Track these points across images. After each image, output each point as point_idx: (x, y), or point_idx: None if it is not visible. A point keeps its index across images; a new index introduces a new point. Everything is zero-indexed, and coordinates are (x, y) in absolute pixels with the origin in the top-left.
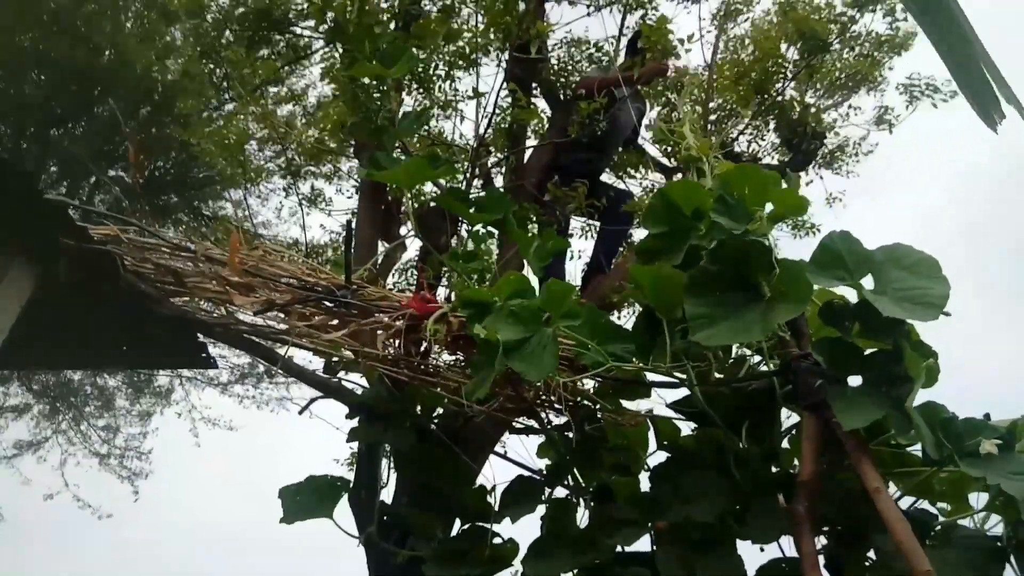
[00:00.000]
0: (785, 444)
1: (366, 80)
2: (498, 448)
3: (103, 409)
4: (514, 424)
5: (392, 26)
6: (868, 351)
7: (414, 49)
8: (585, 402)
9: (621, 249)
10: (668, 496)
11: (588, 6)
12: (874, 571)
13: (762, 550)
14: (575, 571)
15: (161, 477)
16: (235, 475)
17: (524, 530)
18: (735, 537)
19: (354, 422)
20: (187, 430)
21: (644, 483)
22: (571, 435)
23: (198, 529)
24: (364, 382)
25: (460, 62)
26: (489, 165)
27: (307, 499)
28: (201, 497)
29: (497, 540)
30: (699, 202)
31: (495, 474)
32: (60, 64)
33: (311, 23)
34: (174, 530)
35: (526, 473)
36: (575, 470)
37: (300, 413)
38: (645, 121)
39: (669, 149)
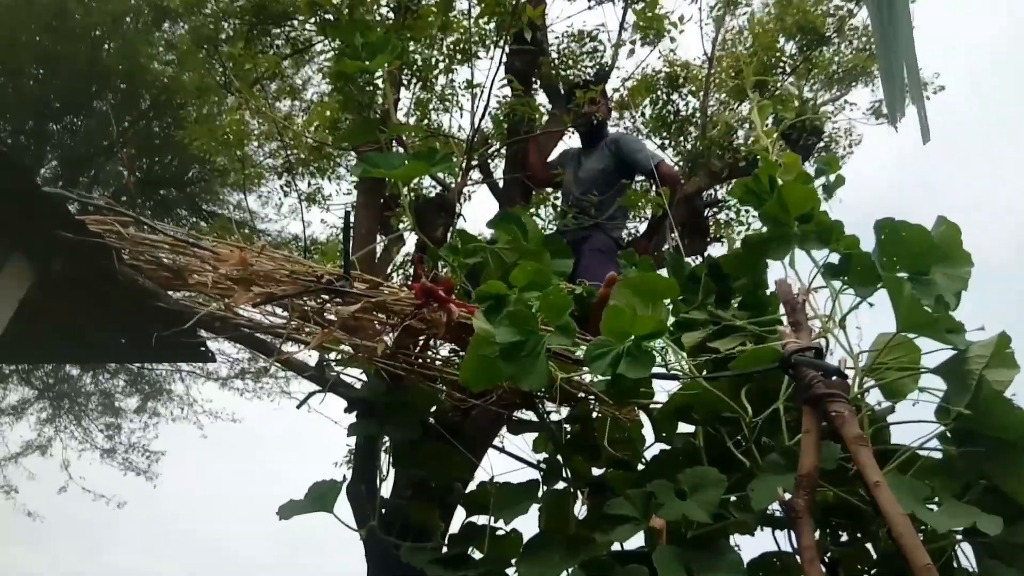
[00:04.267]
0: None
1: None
2: (496, 442)
3: (103, 405)
4: (512, 419)
5: (389, 18)
6: None
7: (411, 44)
8: (581, 394)
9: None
10: (665, 491)
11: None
12: (873, 565)
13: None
14: (570, 570)
15: (163, 472)
16: (236, 470)
17: (525, 526)
18: (732, 532)
19: (353, 416)
20: (192, 423)
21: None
22: (568, 428)
23: (198, 526)
24: (364, 377)
25: (458, 56)
26: (487, 155)
27: (306, 505)
28: (203, 492)
29: (499, 533)
30: (809, 207)
31: (494, 467)
32: (58, 59)
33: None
34: (175, 526)
35: (525, 468)
36: (572, 463)
37: (298, 408)
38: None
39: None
